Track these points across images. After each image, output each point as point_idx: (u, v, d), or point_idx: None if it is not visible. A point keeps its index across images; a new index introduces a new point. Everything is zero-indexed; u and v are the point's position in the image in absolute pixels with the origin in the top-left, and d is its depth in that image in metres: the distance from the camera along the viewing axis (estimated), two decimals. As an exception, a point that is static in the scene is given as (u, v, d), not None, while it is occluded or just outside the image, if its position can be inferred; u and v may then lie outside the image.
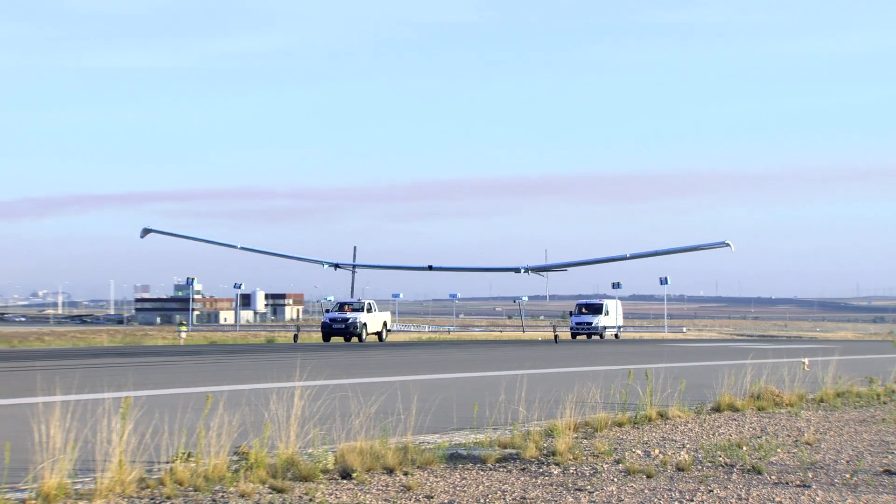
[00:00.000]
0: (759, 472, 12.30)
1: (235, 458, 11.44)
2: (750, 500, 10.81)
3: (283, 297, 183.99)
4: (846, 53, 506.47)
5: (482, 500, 10.57)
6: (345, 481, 11.25)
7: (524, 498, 10.74)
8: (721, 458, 13.15)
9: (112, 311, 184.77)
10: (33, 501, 9.50)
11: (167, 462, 11.18)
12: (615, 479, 11.80)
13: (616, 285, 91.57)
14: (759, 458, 13.09)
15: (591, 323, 78.41)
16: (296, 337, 68.15)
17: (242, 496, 10.23)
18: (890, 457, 13.79)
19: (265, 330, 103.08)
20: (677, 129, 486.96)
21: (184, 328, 75.14)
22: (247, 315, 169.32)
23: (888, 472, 12.49)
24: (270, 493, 10.44)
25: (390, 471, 11.76)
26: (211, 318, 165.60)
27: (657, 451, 13.64)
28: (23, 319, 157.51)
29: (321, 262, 69.03)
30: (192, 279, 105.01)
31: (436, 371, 30.60)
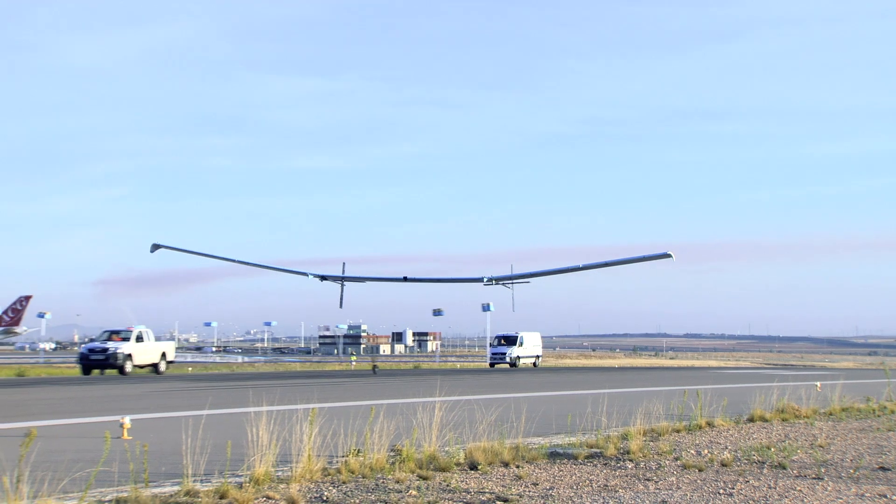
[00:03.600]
0: (784, 468, 11.98)
1: (392, 453, 11.50)
2: (777, 488, 10.51)
3: (426, 334, 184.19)
4: (847, 153, 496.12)
5: (575, 487, 10.44)
6: (472, 472, 11.22)
7: (606, 485, 10.58)
8: (755, 457, 12.80)
9: (302, 345, 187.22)
10: (247, 484, 9.66)
11: (343, 456, 11.29)
12: (675, 472, 11.57)
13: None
14: (784, 457, 12.74)
15: (504, 353, 67.68)
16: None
17: (397, 482, 10.27)
18: (884, 457, 13.32)
19: (413, 360, 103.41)
20: (717, 209, 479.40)
21: (354, 357, 75.89)
22: (399, 347, 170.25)
23: (882, 469, 12.15)
24: (418, 480, 10.45)
25: (506, 464, 11.71)
26: (373, 350, 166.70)
27: (706, 451, 13.34)
28: (239, 351, 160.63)
29: (306, 274, 51.30)
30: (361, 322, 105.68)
31: (542, 390, 30.39)
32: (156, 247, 47.09)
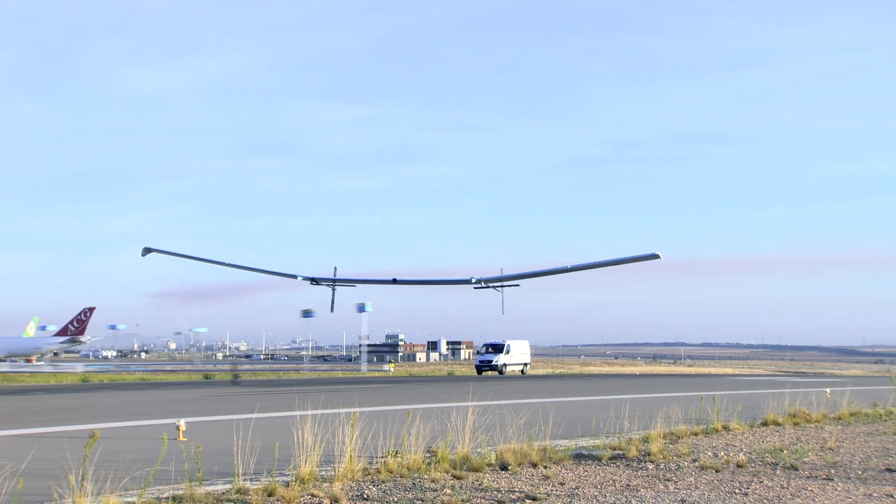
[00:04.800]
0: (796, 469, 11.81)
1: (428, 455, 11.48)
2: (790, 488, 10.35)
3: (458, 343, 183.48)
4: (855, 174, 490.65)
5: (599, 486, 10.35)
6: (503, 472, 11.16)
7: (629, 485, 10.47)
8: (768, 459, 12.62)
9: (344, 353, 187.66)
10: (294, 483, 9.67)
11: (382, 457, 11.28)
12: (693, 473, 11.43)
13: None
14: (796, 459, 12.55)
15: (491, 361, 64.44)
16: None
17: (433, 481, 10.24)
18: (890, 459, 13.07)
19: (447, 366, 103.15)
20: (732, 226, 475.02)
21: (392, 365, 75.88)
22: (434, 356, 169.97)
23: (889, 470, 11.94)
24: (452, 480, 10.42)
25: (534, 465, 11.64)
26: (410, 357, 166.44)
27: (722, 453, 13.17)
28: (285, 359, 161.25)
29: (295, 276, 52.30)
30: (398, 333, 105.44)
31: (568, 395, 30.21)
32: (147, 250, 44.19)
